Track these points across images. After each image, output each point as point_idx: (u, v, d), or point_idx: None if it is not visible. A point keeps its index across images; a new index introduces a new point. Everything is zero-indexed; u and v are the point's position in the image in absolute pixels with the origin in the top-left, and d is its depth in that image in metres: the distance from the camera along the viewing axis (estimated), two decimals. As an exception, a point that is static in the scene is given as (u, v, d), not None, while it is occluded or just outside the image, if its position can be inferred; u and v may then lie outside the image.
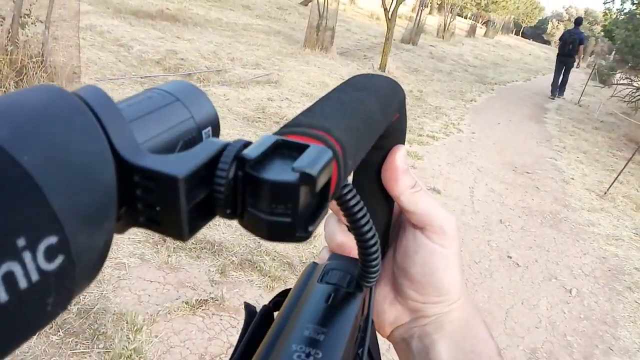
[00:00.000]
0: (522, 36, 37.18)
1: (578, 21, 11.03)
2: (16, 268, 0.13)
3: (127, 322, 2.11)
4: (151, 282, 2.40)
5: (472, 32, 23.37)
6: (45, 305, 0.14)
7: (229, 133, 4.30)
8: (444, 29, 18.81)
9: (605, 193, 5.26)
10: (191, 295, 2.37)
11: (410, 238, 0.36)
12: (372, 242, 0.28)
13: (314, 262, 0.36)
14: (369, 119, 0.26)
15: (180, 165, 0.17)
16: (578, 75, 15.11)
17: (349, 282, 0.32)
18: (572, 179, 5.68)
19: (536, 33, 41.11)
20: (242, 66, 7.10)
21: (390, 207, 0.37)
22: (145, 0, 9.98)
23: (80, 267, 0.15)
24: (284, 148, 0.20)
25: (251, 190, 0.19)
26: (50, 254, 0.14)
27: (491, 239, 3.73)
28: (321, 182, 0.19)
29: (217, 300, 2.39)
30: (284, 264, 2.81)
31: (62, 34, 4.43)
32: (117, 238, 2.59)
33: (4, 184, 0.12)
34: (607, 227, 4.44)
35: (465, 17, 31.06)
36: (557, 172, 5.82)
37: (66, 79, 4.23)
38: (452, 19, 19.24)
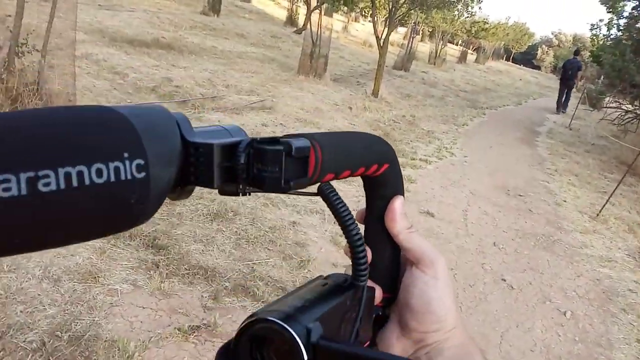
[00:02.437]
0: (512, 62, 37.83)
1: (576, 52, 13.94)
2: (121, 167, 0.24)
3: (118, 349, 2.09)
4: (143, 308, 2.39)
5: (463, 58, 23.77)
6: (131, 198, 0.24)
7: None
8: (436, 56, 19.13)
9: (597, 215, 5.29)
10: (184, 322, 2.36)
11: (408, 275, 0.44)
12: (358, 242, 0.37)
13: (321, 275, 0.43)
14: (349, 145, 0.37)
15: (213, 142, 0.29)
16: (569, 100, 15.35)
17: (344, 281, 0.39)
18: (565, 201, 5.72)
19: (526, 58, 41.85)
20: (237, 93, 7.18)
21: (397, 248, 0.44)
22: (141, 29, 10.14)
23: (152, 187, 0.25)
24: (280, 140, 0.31)
25: (257, 158, 0.30)
26: (138, 169, 0.24)
27: (485, 262, 3.74)
28: (298, 153, 0.31)
29: (210, 327, 2.37)
30: (278, 289, 2.80)
31: (58, 63, 4.49)
32: (109, 264, 2.58)
33: (120, 129, 0.25)
34: (600, 249, 4.46)
35: (456, 44, 31.64)
36: (550, 195, 5.86)
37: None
38: (443, 46, 19.59)
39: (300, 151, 0.31)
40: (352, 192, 4.43)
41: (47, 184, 0.21)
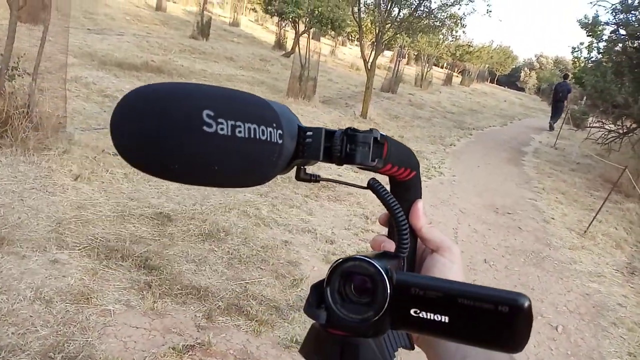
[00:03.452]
0: (497, 84, 38.51)
1: (565, 76, 15.09)
2: (273, 132, 0.35)
3: (112, 370, 2.07)
4: (137, 328, 2.37)
5: (448, 80, 24.17)
6: (273, 155, 0.36)
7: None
8: (422, 78, 19.43)
9: (585, 231, 5.37)
10: (178, 341, 2.34)
11: (429, 259, 0.52)
12: (404, 225, 0.47)
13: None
14: (401, 147, 0.47)
15: (321, 130, 0.40)
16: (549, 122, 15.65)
17: (392, 252, 0.49)
18: (553, 218, 5.79)
19: (510, 80, 42.63)
20: (227, 115, 7.21)
21: (415, 240, 0.53)
22: (130, 52, 10.20)
23: (284, 151, 0.37)
24: (371, 130, 0.42)
25: (350, 141, 0.40)
26: (279, 136, 0.36)
27: (476, 279, 3.76)
28: (381, 139, 0.41)
29: (204, 346, 2.35)
30: (271, 308, 2.79)
31: (49, 86, 4.51)
32: (102, 284, 2.57)
33: (268, 113, 0.36)
34: (589, 265, 4.51)
35: (442, 67, 32.18)
36: (538, 213, 5.94)
37: (52, 128, 4.27)
38: (429, 69, 19.93)
39: (382, 138, 0.41)
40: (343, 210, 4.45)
41: (240, 131, 0.33)
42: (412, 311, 0.36)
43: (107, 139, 4.78)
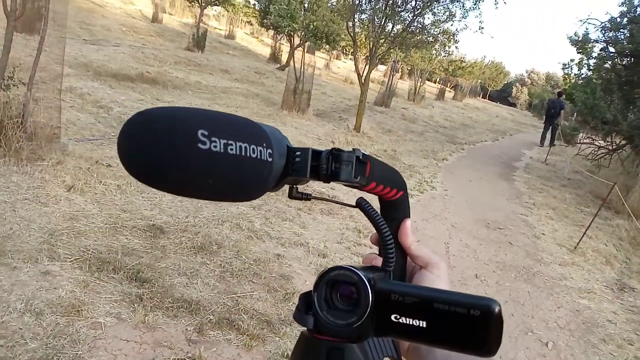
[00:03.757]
0: (489, 99, 38.88)
1: (560, 93, 15.20)
2: (262, 150, 0.39)
3: (101, 384, 2.06)
4: (128, 341, 2.36)
5: (441, 95, 24.38)
6: (263, 172, 0.39)
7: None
8: (415, 93, 19.59)
9: (575, 247, 5.41)
10: (168, 355, 2.33)
11: (417, 275, 0.55)
12: (389, 241, 0.49)
13: None
14: (385, 167, 0.50)
15: (308, 150, 0.42)
16: (540, 137, 15.81)
17: (378, 267, 0.51)
18: (543, 234, 5.84)
19: (502, 96, 43.04)
20: (221, 127, 7.24)
21: (405, 258, 0.55)
22: (126, 63, 10.22)
23: (274, 169, 0.40)
24: (353, 149, 0.44)
25: (335, 160, 0.42)
26: (269, 155, 0.39)
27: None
28: (363, 159, 0.44)
29: (195, 360, 2.35)
30: (263, 322, 2.79)
31: (43, 96, 4.51)
32: (93, 297, 2.56)
33: (258, 133, 0.40)
34: (579, 281, 4.54)
35: (435, 82, 32.47)
36: (529, 228, 5.98)
37: (46, 139, 4.27)
38: (422, 84, 20.10)
39: (364, 158, 0.44)
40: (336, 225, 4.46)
41: (232, 149, 0.36)
42: (392, 317, 0.39)
43: (101, 150, 4.79)
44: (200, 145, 0.34)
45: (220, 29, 23.83)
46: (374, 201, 0.51)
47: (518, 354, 3.09)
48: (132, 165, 0.35)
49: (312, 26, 12.77)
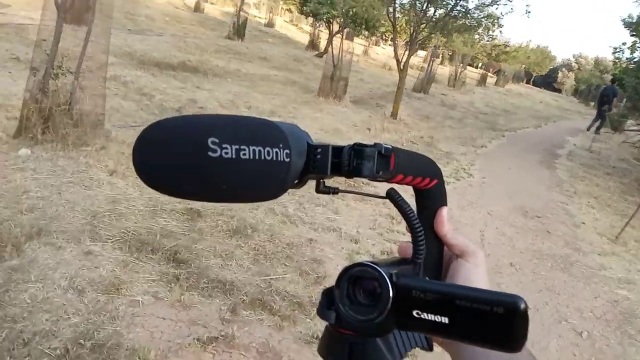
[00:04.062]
0: (532, 85, 37.62)
1: (613, 80, 14.71)
2: (279, 152, 0.39)
3: (139, 358, 2.17)
4: (164, 319, 2.47)
5: (482, 81, 23.78)
6: (281, 173, 0.39)
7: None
8: (455, 78, 19.20)
9: (617, 237, 5.23)
10: (202, 333, 2.43)
11: (455, 264, 0.54)
12: (419, 232, 0.48)
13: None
14: (414, 158, 0.50)
15: (328, 147, 0.43)
16: (589, 123, 15.21)
17: (407, 258, 0.51)
18: (583, 223, 5.67)
19: (547, 82, 41.52)
20: (259, 114, 7.34)
21: (441, 247, 0.55)
22: (168, 52, 10.47)
23: (292, 169, 0.40)
24: (375, 144, 0.44)
25: (356, 156, 0.42)
26: (286, 155, 0.39)
27: (501, 282, 3.74)
28: (385, 152, 0.43)
29: (228, 338, 2.43)
30: (294, 304, 2.85)
31: (89, 84, 4.70)
32: (132, 276, 2.69)
33: (275, 134, 0.40)
34: (619, 271, 4.41)
35: (476, 67, 31.66)
36: (568, 217, 5.82)
37: (90, 125, 4.46)
38: (463, 69, 19.67)
39: (387, 151, 0.43)
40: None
41: (244, 154, 0.37)
42: (414, 312, 0.39)
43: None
44: (210, 153, 0.35)
45: (260, 17, 23.99)
46: (409, 191, 0.52)
47: (551, 342, 3.05)
48: (147, 179, 0.36)
49: (351, 12, 12.67)
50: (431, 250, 0.53)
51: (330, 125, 7.74)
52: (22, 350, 2.07)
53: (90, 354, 2.16)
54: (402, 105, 10.06)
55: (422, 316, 0.39)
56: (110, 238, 3.05)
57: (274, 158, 0.39)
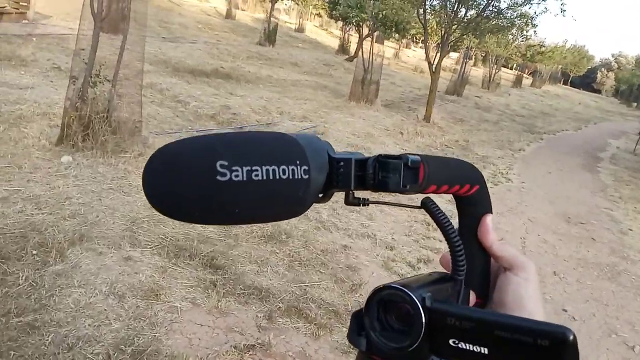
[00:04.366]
0: (570, 85, 36.61)
1: None
2: (295, 169, 0.36)
3: (178, 365, 2.17)
4: (201, 325, 2.47)
5: (518, 82, 23.28)
6: (299, 191, 0.36)
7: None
8: (489, 80, 18.85)
9: (667, 245, 4.99)
10: (239, 340, 2.42)
11: (503, 278, 0.49)
12: (458, 245, 0.44)
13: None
14: (448, 166, 0.46)
15: (352, 157, 0.40)
16: (632, 124, 14.66)
17: (446, 274, 0.46)
18: (630, 230, 5.43)
19: (585, 82, 40.34)
20: (290, 119, 7.36)
21: (487, 258, 0.50)
22: (202, 59, 10.63)
23: (312, 186, 0.37)
24: (400, 156, 0.41)
25: (382, 168, 0.40)
26: (305, 172, 0.36)
27: (545, 292, 3.60)
28: (412, 164, 0.40)
29: (264, 346, 2.41)
30: (330, 312, 2.81)
31: (126, 92, 4.79)
32: (170, 282, 2.70)
33: (294, 146, 0.37)
34: (672, 281, 4.19)
35: (511, 68, 31.01)
36: (614, 223, 5.59)
37: (128, 132, 4.54)
38: (497, 70, 19.29)
39: (414, 163, 0.40)
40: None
41: (257, 175, 0.34)
42: (450, 341, 0.36)
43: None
44: (219, 177, 0.33)
45: (290, 23, 24.15)
46: (448, 196, 0.49)
47: (600, 357, 2.91)
48: (158, 205, 0.34)
49: (381, 15, 12.61)
50: (475, 263, 0.49)
51: (362, 129, 7.68)
52: (67, 355, 2.09)
53: (131, 359, 2.17)
54: (435, 109, 9.92)
55: (459, 345, 0.36)
56: (149, 244, 3.08)
57: (290, 176, 0.36)
